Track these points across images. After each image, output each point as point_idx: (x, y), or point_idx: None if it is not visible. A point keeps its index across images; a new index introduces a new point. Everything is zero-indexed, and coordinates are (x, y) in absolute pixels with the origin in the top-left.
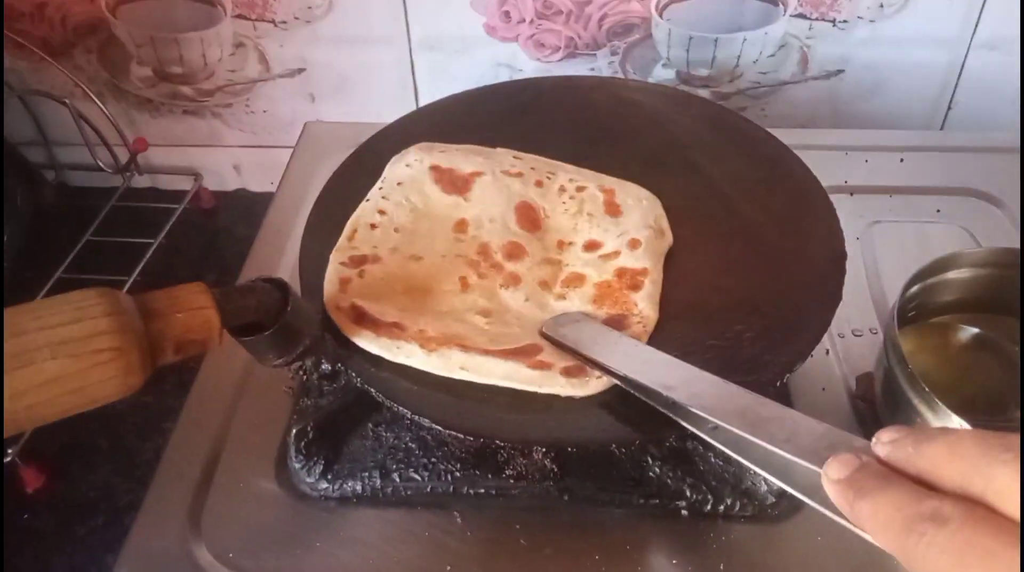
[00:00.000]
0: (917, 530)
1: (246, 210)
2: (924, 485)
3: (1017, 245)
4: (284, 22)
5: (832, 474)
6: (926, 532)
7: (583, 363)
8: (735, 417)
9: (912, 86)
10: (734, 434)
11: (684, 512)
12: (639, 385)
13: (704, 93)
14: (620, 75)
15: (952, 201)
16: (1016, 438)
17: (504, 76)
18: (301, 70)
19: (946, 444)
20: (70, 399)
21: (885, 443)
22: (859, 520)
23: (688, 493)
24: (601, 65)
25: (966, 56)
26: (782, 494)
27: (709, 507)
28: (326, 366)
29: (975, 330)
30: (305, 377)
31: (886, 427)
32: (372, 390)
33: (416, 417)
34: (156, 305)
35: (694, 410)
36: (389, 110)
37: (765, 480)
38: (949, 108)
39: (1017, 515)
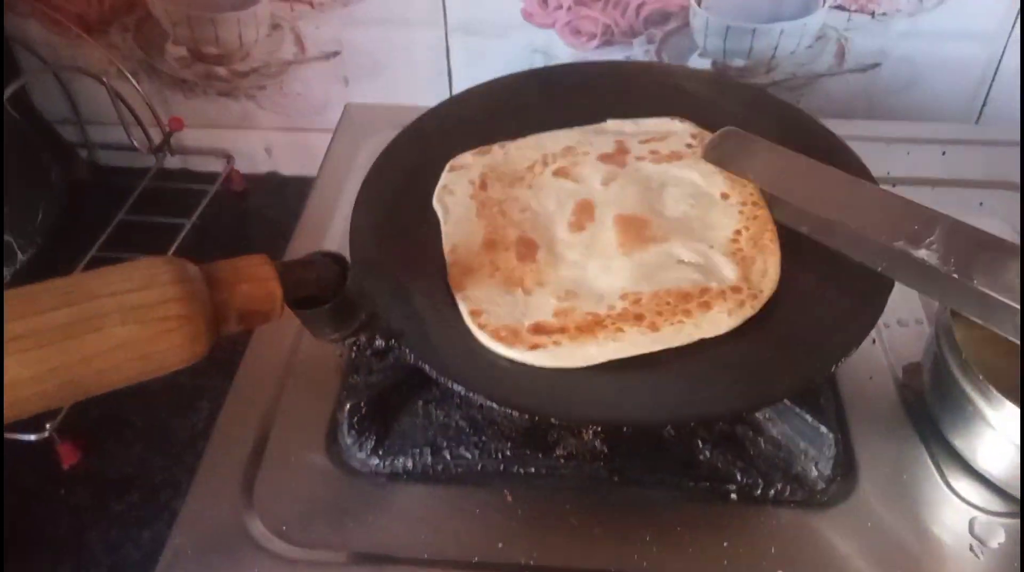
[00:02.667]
0: None
1: (277, 193)
2: None
3: None
4: (321, 3)
5: None
6: None
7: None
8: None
9: (949, 81)
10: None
11: (734, 496)
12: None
13: None
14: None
15: (995, 194)
16: None
17: (539, 62)
18: (336, 53)
19: None
20: (138, 364)
21: None
22: None
23: (738, 477)
24: (637, 53)
25: (1004, 52)
26: (832, 479)
27: (759, 491)
28: (380, 342)
29: None
30: (356, 354)
31: None
32: (426, 367)
33: (471, 394)
34: (221, 275)
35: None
36: (423, 94)
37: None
38: (984, 104)
39: None
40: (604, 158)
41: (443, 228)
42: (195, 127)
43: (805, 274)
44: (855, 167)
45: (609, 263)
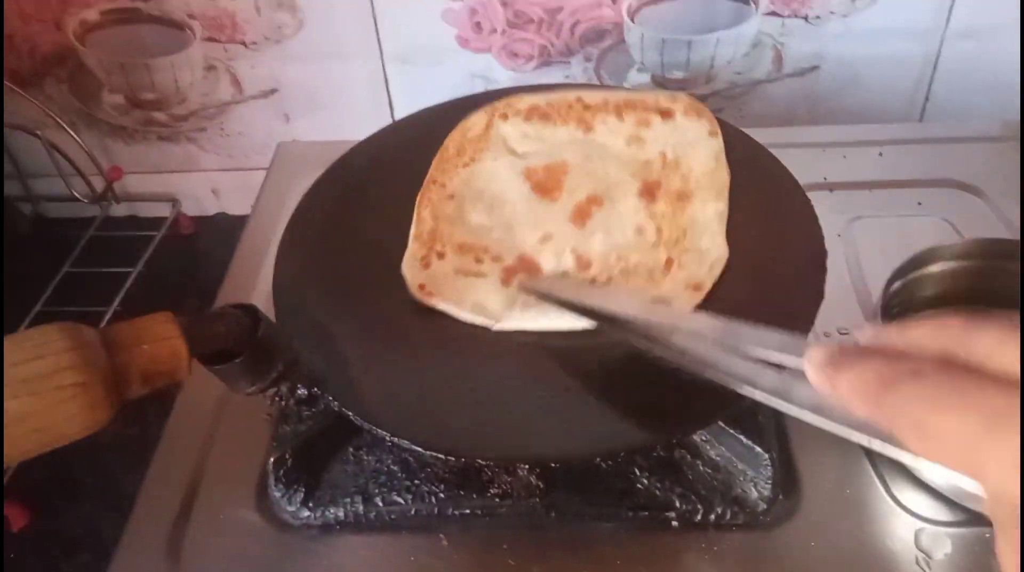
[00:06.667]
0: (893, 385)
1: (226, 234)
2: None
3: (999, 234)
4: (255, 43)
5: (815, 357)
6: (902, 385)
7: (560, 306)
8: (708, 327)
9: (888, 79)
10: (705, 356)
11: (674, 523)
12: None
13: None
14: (595, 81)
15: (933, 193)
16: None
17: (480, 87)
18: (274, 90)
19: (931, 325)
20: (36, 437)
21: (868, 332)
22: (839, 390)
23: (677, 503)
24: (576, 72)
25: (941, 47)
26: (773, 499)
27: (699, 516)
28: (302, 391)
29: None
30: (283, 403)
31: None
32: (349, 413)
33: (394, 439)
34: (120, 337)
35: (668, 324)
36: (366, 126)
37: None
38: (927, 99)
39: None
40: None
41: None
42: (139, 173)
43: (734, 291)
44: (776, 174)
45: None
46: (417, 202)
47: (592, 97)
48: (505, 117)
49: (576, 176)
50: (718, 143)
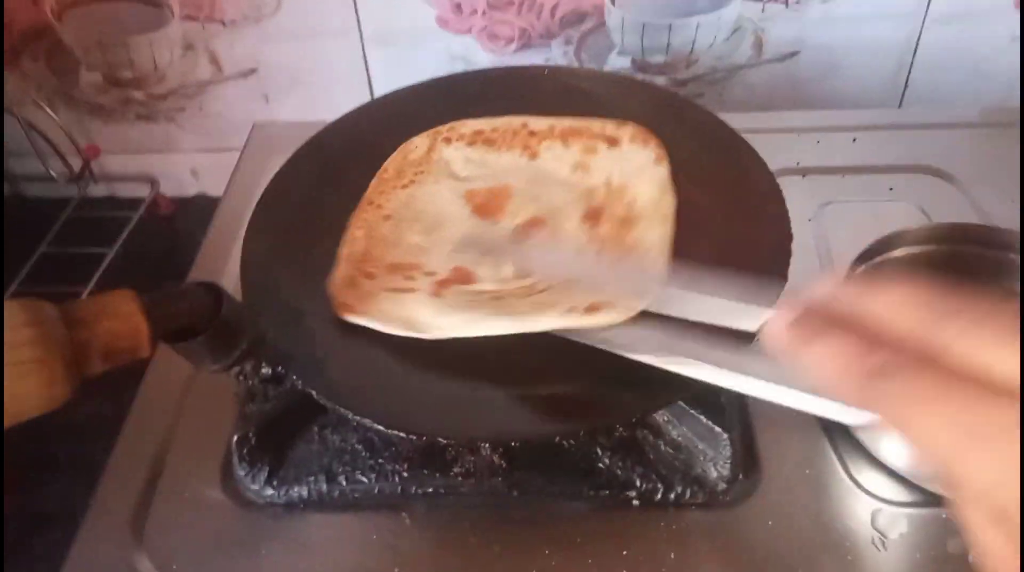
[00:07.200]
0: (879, 374)
1: (206, 215)
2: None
3: (969, 220)
4: (233, 21)
5: (782, 317)
6: (888, 376)
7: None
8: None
9: (869, 64)
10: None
11: (635, 502)
12: None
13: (661, 80)
14: (576, 64)
15: (906, 179)
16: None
17: (459, 69)
18: (253, 70)
19: (899, 297)
20: None
21: (826, 285)
22: (812, 359)
23: (638, 483)
24: (556, 55)
25: (921, 31)
26: (733, 479)
27: (660, 496)
28: (267, 370)
29: None
30: (248, 382)
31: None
32: (313, 392)
33: (358, 418)
34: (81, 313)
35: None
36: (345, 107)
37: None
38: (906, 85)
39: (964, 358)
40: None
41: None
42: (118, 153)
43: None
44: (747, 159)
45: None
46: (350, 222)
47: (538, 123)
48: (448, 141)
49: (519, 200)
50: (664, 171)
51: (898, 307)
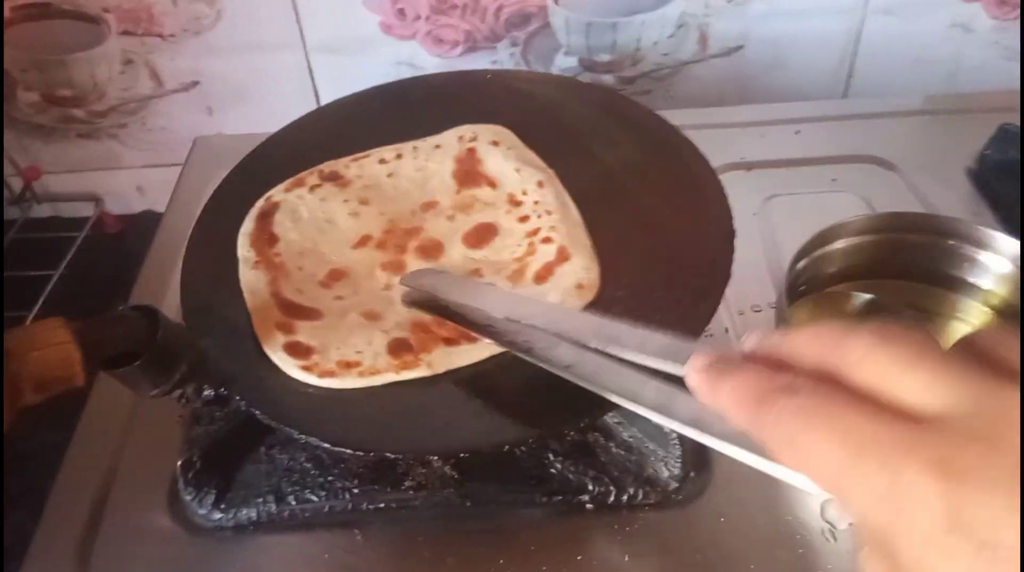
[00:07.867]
0: (769, 400)
1: (153, 232)
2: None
3: (912, 209)
4: (172, 35)
5: (697, 363)
6: (777, 401)
7: (439, 315)
8: (590, 335)
9: (813, 57)
10: (589, 368)
11: (589, 506)
12: (493, 329)
13: (608, 78)
14: (523, 66)
15: (849, 169)
16: (879, 326)
17: (406, 74)
18: (195, 83)
19: (811, 332)
20: None
21: (752, 340)
22: (719, 400)
23: (590, 486)
24: (502, 57)
25: (863, 23)
26: (684, 477)
27: (612, 498)
28: (208, 392)
29: (868, 296)
30: (192, 405)
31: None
32: (257, 412)
33: (304, 437)
34: (10, 345)
35: (552, 333)
36: (292, 118)
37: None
38: (850, 76)
39: (866, 384)
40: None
41: None
42: (60, 172)
43: (645, 274)
44: (689, 156)
45: None
46: (242, 284)
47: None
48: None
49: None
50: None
51: (806, 340)
